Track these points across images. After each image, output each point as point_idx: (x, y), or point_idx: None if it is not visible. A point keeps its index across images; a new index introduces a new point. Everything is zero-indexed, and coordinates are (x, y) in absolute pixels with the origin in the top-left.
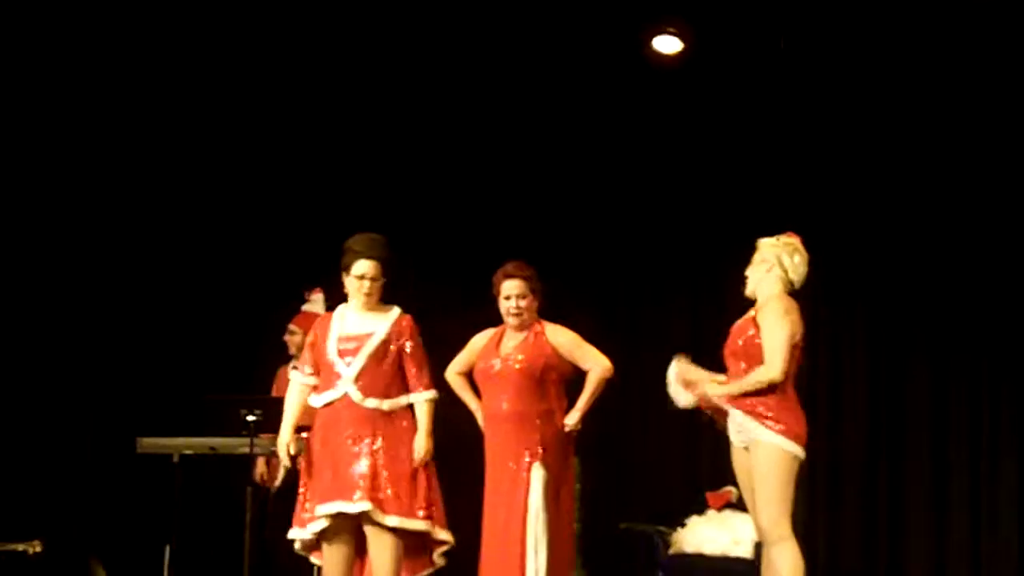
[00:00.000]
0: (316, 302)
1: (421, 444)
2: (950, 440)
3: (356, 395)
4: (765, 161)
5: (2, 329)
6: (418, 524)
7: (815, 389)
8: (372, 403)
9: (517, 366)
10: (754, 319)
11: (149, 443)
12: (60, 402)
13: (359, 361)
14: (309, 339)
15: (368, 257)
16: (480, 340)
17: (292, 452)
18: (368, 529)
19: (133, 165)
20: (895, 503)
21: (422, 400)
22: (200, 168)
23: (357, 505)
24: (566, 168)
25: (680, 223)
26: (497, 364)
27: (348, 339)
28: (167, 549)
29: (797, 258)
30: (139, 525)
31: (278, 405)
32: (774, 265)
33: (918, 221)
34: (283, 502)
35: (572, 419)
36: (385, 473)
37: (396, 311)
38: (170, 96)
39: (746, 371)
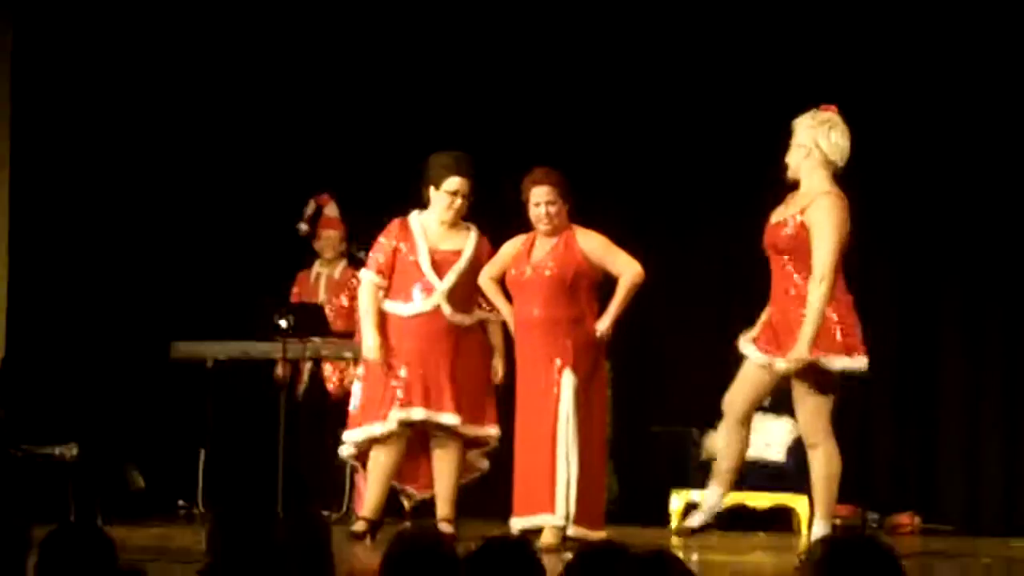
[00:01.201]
0: (333, 207)
1: (500, 364)
2: (983, 361)
3: (447, 309)
4: (800, 65)
5: (35, 238)
6: (490, 431)
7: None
8: (458, 318)
9: (548, 272)
10: (803, 214)
11: (183, 348)
12: (94, 308)
13: (451, 277)
14: (388, 243)
15: (463, 174)
16: (511, 247)
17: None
18: (438, 438)
19: (160, 89)
20: (927, 423)
21: (498, 321)
22: (224, 88)
23: (448, 417)
24: (594, 72)
25: (711, 122)
26: (528, 271)
27: (440, 252)
28: (201, 453)
29: (835, 135)
30: (173, 429)
31: (310, 311)
32: (812, 148)
33: (954, 133)
34: (313, 406)
35: (603, 325)
36: (465, 385)
37: (475, 231)
38: (200, 21)
39: (791, 262)
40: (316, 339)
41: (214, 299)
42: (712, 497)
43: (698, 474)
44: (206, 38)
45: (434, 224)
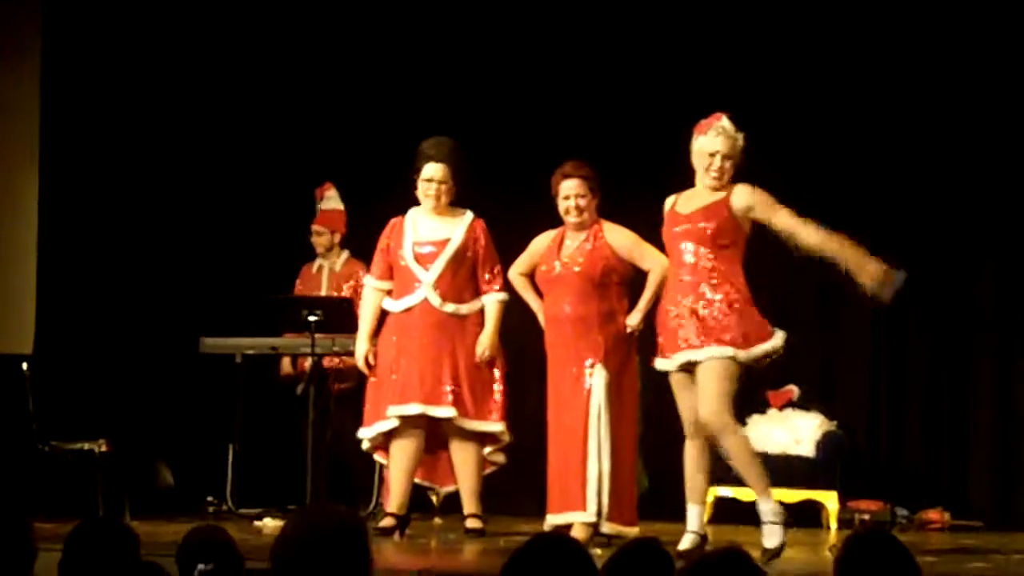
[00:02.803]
0: (332, 198)
1: (485, 340)
2: (1015, 358)
3: (435, 300)
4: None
5: (64, 235)
6: (494, 427)
7: None
8: (450, 308)
9: (577, 269)
10: (728, 206)
11: (212, 343)
12: (123, 304)
13: (437, 267)
14: (381, 244)
15: (437, 160)
16: (541, 242)
17: (371, 361)
18: (455, 435)
19: (190, 88)
20: (958, 419)
21: (493, 300)
22: (255, 86)
23: (443, 410)
24: (604, 61)
25: (740, 113)
26: (557, 267)
27: (424, 244)
28: (230, 448)
29: (739, 140)
30: (202, 425)
31: (339, 305)
32: (735, 158)
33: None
34: (345, 401)
35: (634, 320)
36: (465, 378)
37: (469, 216)
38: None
39: (715, 251)
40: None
41: (243, 294)
42: (699, 516)
43: (729, 470)
44: (230, 45)
45: (423, 216)
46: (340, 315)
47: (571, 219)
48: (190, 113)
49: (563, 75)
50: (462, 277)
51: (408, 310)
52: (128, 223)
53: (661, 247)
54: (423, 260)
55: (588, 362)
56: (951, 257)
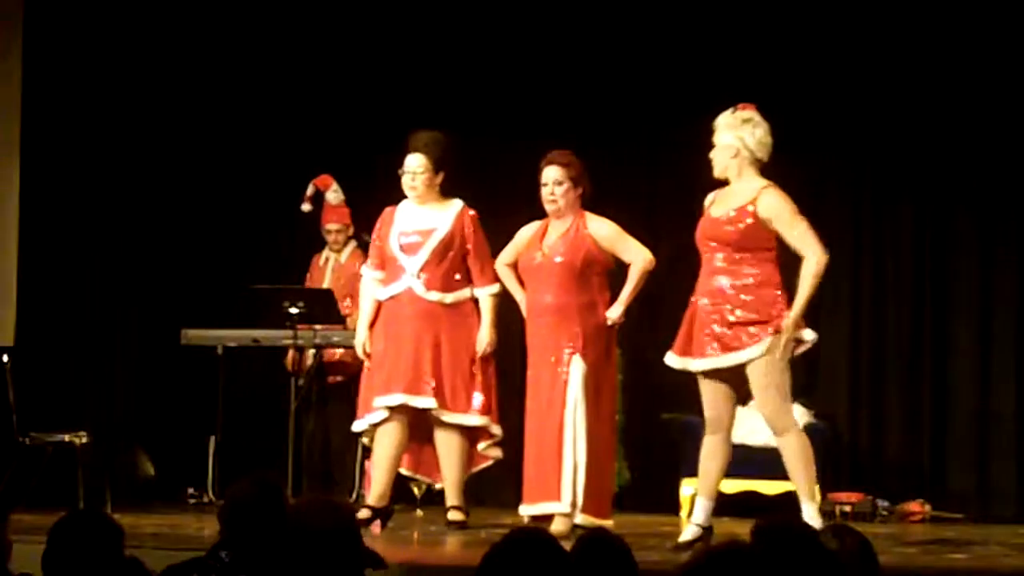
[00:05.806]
0: (337, 191)
1: (484, 337)
2: (995, 314)
3: (419, 288)
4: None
5: (45, 226)
6: (475, 420)
7: (859, 263)
8: (435, 296)
9: (558, 259)
10: (751, 209)
11: (193, 335)
12: (104, 295)
13: (422, 255)
14: (374, 235)
15: (413, 150)
16: (526, 232)
17: (367, 350)
18: (439, 426)
19: (172, 79)
20: (938, 411)
21: (486, 295)
22: (237, 75)
23: (423, 401)
24: (600, 53)
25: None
26: (539, 257)
27: (410, 233)
28: (211, 440)
29: (759, 132)
30: (183, 416)
31: (321, 297)
32: (739, 148)
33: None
34: (321, 392)
35: (615, 312)
36: (448, 370)
37: (459, 204)
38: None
39: (739, 260)
40: (321, 326)
41: (225, 286)
42: (706, 511)
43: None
44: (211, 34)
45: (411, 206)
46: (321, 306)
47: (548, 207)
48: (170, 105)
49: (556, 66)
50: (449, 266)
51: (394, 298)
52: (109, 215)
53: (644, 239)
54: (408, 249)
55: (567, 351)
56: (928, 251)
